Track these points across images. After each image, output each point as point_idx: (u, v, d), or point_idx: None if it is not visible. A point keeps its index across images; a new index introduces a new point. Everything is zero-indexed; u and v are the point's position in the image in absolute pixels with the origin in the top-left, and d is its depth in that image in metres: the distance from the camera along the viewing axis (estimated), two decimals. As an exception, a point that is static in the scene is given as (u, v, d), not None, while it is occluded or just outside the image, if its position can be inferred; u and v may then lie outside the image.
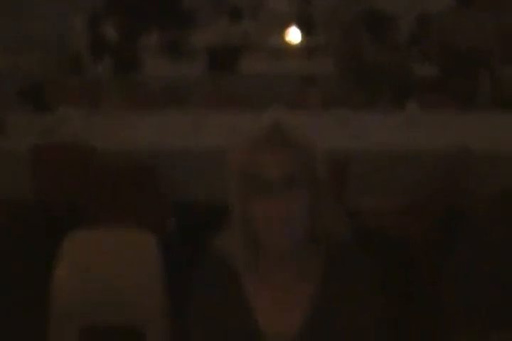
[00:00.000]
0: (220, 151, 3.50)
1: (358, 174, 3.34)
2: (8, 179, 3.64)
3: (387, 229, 3.41)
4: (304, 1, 10.88)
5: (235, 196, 1.43)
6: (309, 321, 1.46)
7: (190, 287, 1.52)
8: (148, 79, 6.80)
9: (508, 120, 4.32)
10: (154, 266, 2.07)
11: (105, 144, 3.64)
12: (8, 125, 4.08)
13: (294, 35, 11.69)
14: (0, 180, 3.65)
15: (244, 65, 7.47)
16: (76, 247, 2.16)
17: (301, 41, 11.30)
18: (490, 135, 3.90)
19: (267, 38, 11.00)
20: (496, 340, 1.29)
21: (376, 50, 5.51)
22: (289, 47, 10.42)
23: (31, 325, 2.77)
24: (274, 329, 1.46)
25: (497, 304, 1.27)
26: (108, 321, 2.15)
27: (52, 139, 3.78)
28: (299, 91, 6.21)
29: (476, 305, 1.31)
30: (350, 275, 1.48)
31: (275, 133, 1.41)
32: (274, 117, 1.48)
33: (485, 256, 1.34)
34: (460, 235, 1.42)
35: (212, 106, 4.70)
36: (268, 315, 1.47)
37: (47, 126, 4.00)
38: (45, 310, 2.10)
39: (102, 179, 3.34)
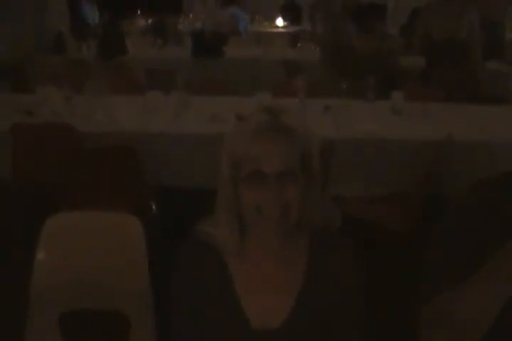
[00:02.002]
0: (203, 135, 3.53)
1: (341, 162, 3.34)
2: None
3: (369, 217, 3.41)
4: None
5: (226, 181, 1.41)
6: (296, 307, 1.45)
7: (173, 269, 1.50)
8: (133, 62, 6.74)
9: (491, 110, 4.35)
10: (138, 249, 2.04)
11: (87, 126, 3.60)
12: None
13: (280, 22, 11.65)
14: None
15: (229, 51, 7.43)
16: (57, 230, 2.13)
17: (287, 28, 11.27)
18: (473, 125, 3.92)
19: (253, 24, 10.95)
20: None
21: (362, 40, 5.51)
22: (274, 33, 10.39)
23: (10, 309, 2.74)
24: (260, 316, 1.45)
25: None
26: (90, 305, 2.12)
27: (32, 119, 3.73)
28: (284, 78, 6.19)
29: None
30: (335, 260, 1.47)
31: (273, 121, 1.38)
32: (265, 103, 1.46)
33: (465, 245, 1.34)
34: (441, 224, 1.42)
35: (196, 90, 4.67)
36: (254, 301, 1.46)
37: (27, 106, 3.94)
38: (25, 294, 2.07)
39: (83, 161, 3.29)
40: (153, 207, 3.75)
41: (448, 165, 3.37)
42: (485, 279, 1.22)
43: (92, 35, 7.86)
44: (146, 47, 7.98)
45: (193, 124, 3.84)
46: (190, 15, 10.63)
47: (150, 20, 9.62)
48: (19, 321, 2.10)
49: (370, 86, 4.46)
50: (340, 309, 1.46)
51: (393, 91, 4.29)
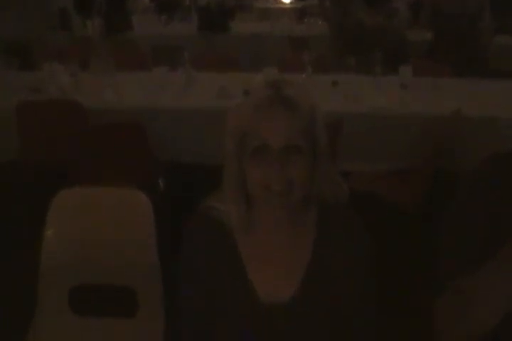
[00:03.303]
0: (210, 111, 3.51)
1: (350, 137, 3.32)
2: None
3: (377, 192, 3.41)
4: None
5: (232, 157, 1.39)
6: (305, 281, 1.45)
7: (181, 244, 1.50)
8: (138, 38, 6.70)
9: (500, 85, 4.31)
10: (146, 225, 2.05)
11: (94, 102, 3.59)
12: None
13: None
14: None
15: (236, 26, 7.37)
16: (66, 206, 2.13)
17: (293, 2, 11.16)
18: (482, 100, 3.89)
19: (260, 0, 10.84)
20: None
21: (369, 14, 5.47)
22: (281, 9, 10.29)
23: (20, 284, 2.76)
24: (269, 290, 1.45)
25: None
26: (99, 280, 2.14)
27: (39, 97, 3.72)
28: (291, 53, 6.15)
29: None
30: (343, 233, 1.46)
31: (278, 95, 1.35)
32: (275, 77, 1.43)
33: (475, 220, 1.33)
34: (454, 200, 1.41)
35: (203, 66, 4.64)
36: (263, 276, 1.45)
37: (34, 83, 3.93)
38: (34, 269, 2.08)
39: (91, 137, 3.29)
40: (162, 183, 3.76)
41: (457, 140, 3.35)
42: (508, 259, 1.14)
43: (96, 12, 7.80)
44: (151, 23, 7.93)
45: (200, 100, 3.83)
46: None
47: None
48: (29, 295, 2.11)
49: (377, 60, 4.42)
50: (350, 282, 1.45)
51: (401, 65, 4.25)
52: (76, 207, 2.15)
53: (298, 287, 1.45)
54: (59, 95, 3.76)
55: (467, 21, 5.54)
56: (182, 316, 1.52)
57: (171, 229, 2.18)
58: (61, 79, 3.96)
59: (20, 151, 3.49)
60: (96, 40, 6.51)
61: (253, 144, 1.34)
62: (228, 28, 7.14)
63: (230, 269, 1.46)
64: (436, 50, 5.73)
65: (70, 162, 3.27)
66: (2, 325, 2.77)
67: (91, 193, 2.21)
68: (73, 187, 2.22)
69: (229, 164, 1.41)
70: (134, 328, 2.10)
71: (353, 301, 1.47)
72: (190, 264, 1.49)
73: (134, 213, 2.09)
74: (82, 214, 2.14)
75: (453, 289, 1.25)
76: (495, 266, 1.16)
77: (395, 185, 3.42)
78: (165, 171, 3.70)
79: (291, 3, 11.42)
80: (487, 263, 1.17)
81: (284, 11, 10.10)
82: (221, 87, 3.88)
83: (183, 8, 8.45)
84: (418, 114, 3.58)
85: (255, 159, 1.35)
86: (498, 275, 1.15)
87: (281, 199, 1.35)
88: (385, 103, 3.72)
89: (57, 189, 2.16)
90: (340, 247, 1.45)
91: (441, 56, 5.54)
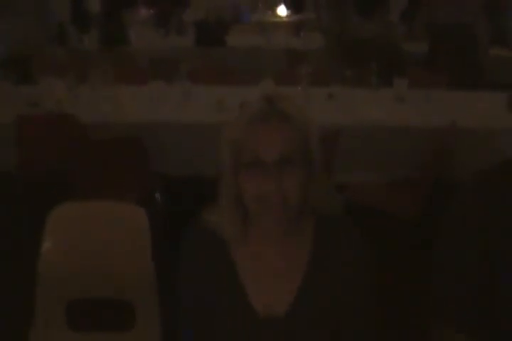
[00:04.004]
0: (207, 125, 3.53)
1: (346, 149, 3.33)
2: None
3: (375, 204, 3.42)
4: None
5: (227, 170, 1.40)
6: (301, 293, 1.45)
7: (179, 258, 1.51)
8: (136, 51, 6.73)
9: (495, 97, 4.33)
10: (143, 239, 2.05)
11: (91, 116, 3.60)
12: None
13: (282, 10, 11.60)
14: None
15: (233, 39, 7.41)
16: (63, 220, 2.14)
17: (290, 16, 11.22)
18: (477, 112, 3.91)
19: (256, 13, 10.90)
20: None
21: (365, 26, 5.51)
22: (277, 22, 10.34)
23: (18, 298, 2.76)
24: (265, 303, 1.45)
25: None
26: (96, 294, 2.14)
27: (37, 111, 3.73)
28: (287, 66, 6.18)
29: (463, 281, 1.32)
30: (340, 247, 1.46)
31: (271, 108, 1.37)
32: (269, 91, 1.45)
33: (471, 232, 1.34)
34: (448, 211, 1.42)
35: (200, 79, 4.67)
36: (259, 289, 1.46)
37: (32, 97, 3.94)
38: (31, 283, 2.08)
39: (88, 151, 3.30)
40: (159, 197, 3.76)
41: (452, 152, 3.36)
42: None
43: (93, 26, 7.84)
44: (148, 37, 7.97)
45: (197, 113, 3.84)
46: (194, 4, 10.58)
47: (152, 10, 9.59)
48: (27, 310, 2.11)
49: (373, 73, 4.45)
50: (348, 292, 1.46)
51: (396, 78, 4.28)
52: (73, 220, 2.15)
53: (295, 299, 1.45)
54: (57, 109, 3.77)
55: (463, 32, 5.55)
56: (180, 328, 1.53)
57: (167, 242, 2.19)
58: (59, 93, 3.98)
59: (18, 165, 3.50)
60: (93, 53, 6.54)
61: (248, 157, 1.36)
62: (225, 42, 7.18)
63: (227, 283, 1.47)
64: (431, 61, 5.75)
65: (68, 176, 3.27)
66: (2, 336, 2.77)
67: (88, 207, 2.22)
68: (71, 200, 2.23)
69: (225, 176, 1.42)
70: (131, 341, 2.10)
71: (351, 312, 1.47)
72: (187, 277, 1.49)
73: (130, 227, 2.10)
74: (79, 228, 2.14)
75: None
76: None
77: (394, 197, 3.43)
78: (162, 184, 3.71)
79: (287, 16, 11.48)
80: None
81: (281, 24, 10.15)
82: (218, 100, 3.90)
83: (179, 21, 8.49)
84: (413, 125, 3.60)
85: (250, 172, 1.36)
86: None
87: (276, 211, 1.36)
88: (380, 115, 3.74)
89: (55, 202, 2.17)
90: (337, 258, 1.46)
91: (436, 67, 5.56)
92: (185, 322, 1.52)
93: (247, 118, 1.37)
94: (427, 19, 5.86)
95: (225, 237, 1.47)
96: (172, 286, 1.52)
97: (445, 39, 5.60)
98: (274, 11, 11.72)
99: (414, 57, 5.88)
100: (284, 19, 11.14)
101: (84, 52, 6.58)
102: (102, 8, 8.91)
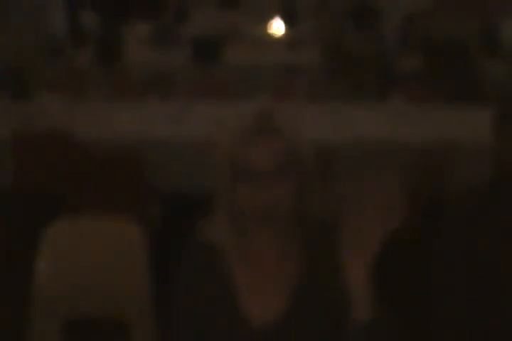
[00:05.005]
0: (204, 141, 3.53)
1: (341, 165, 3.34)
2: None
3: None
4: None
5: (221, 182, 1.44)
6: (295, 304, 1.47)
7: (176, 274, 1.52)
8: (132, 67, 6.74)
9: (490, 111, 4.33)
10: (139, 255, 2.05)
11: (87, 133, 3.60)
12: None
13: (278, 25, 11.65)
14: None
15: (229, 55, 7.43)
16: (58, 237, 2.14)
17: (286, 31, 11.27)
18: (472, 128, 3.91)
19: (252, 28, 10.96)
20: None
21: (361, 42, 5.54)
22: (274, 37, 10.39)
23: (12, 318, 2.75)
24: (259, 314, 1.47)
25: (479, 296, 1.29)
26: (92, 313, 2.13)
27: (32, 127, 3.73)
28: (284, 82, 6.20)
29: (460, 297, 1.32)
30: (333, 255, 1.46)
31: (264, 123, 1.41)
32: (262, 107, 1.47)
33: (464, 249, 1.35)
34: (439, 228, 1.43)
35: (197, 95, 4.68)
36: (254, 300, 1.48)
37: (27, 114, 3.95)
38: (26, 302, 2.07)
39: (84, 168, 3.30)
40: (155, 213, 3.76)
41: (446, 168, 3.36)
42: None
43: (90, 40, 7.86)
44: (145, 51, 7.99)
45: (194, 129, 3.85)
46: (190, 20, 10.63)
47: (150, 25, 9.62)
48: (21, 330, 2.10)
49: (368, 87, 4.47)
50: (342, 302, 1.45)
51: (392, 93, 4.30)
52: (69, 238, 2.15)
53: (288, 310, 1.46)
54: (52, 126, 3.76)
55: (458, 46, 5.58)
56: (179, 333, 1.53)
57: (163, 259, 2.18)
58: (54, 109, 3.98)
59: (13, 181, 3.49)
60: (89, 69, 6.55)
61: (242, 169, 1.40)
62: (222, 58, 7.20)
63: (221, 294, 1.49)
64: (426, 75, 5.77)
65: (62, 193, 3.27)
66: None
67: (83, 224, 2.22)
68: (66, 218, 2.23)
69: (220, 189, 1.45)
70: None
71: (346, 321, 1.46)
72: (180, 290, 1.51)
73: (126, 244, 2.10)
74: (75, 245, 2.14)
75: None
76: None
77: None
78: (158, 201, 3.70)
79: (284, 31, 11.53)
80: None
81: (278, 39, 10.19)
82: (214, 115, 3.91)
83: (176, 37, 8.52)
84: (408, 142, 3.60)
85: (244, 184, 1.40)
86: None
87: (270, 223, 1.40)
88: (376, 130, 3.75)
89: (50, 219, 2.17)
90: (329, 269, 1.46)
91: (431, 82, 5.58)
92: (178, 336, 1.52)
93: (242, 132, 1.41)
94: (422, 35, 5.90)
95: (221, 250, 1.50)
96: (170, 303, 1.52)
97: (440, 54, 5.62)
98: (269, 25, 11.77)
99: (409, 72, 5.90)
100: (281, 34, 11.18)
101: (79, 68, 6.59)
102: (99, 23, 8.96)
